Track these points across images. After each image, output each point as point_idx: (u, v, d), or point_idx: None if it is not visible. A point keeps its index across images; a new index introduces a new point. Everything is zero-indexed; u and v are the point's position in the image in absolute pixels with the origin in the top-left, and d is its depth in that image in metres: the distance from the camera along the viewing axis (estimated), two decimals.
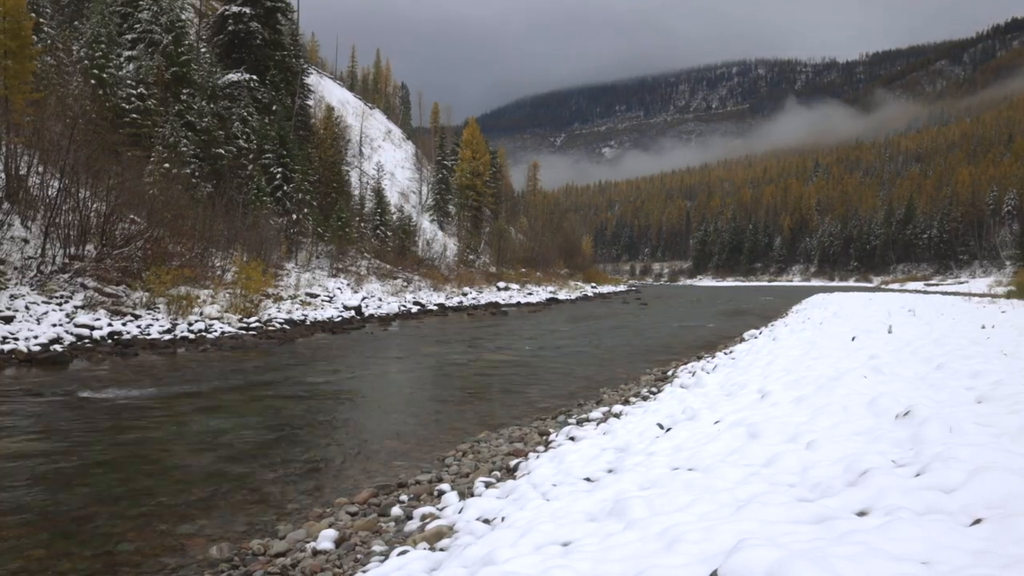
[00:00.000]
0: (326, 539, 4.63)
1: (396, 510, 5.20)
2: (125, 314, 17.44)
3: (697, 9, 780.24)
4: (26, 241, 18.32)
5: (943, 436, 4.17)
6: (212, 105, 30.89)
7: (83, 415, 8.75)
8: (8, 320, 14.62)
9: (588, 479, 4.96)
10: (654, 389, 10.18)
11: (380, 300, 30.73)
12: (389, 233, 43.74)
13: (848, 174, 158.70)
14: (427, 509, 5.08)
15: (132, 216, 21.34)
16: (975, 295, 47.57)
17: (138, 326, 16.78)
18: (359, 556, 4.39)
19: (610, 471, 5.07)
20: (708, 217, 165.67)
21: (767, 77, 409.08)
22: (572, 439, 6.88)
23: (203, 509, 5.55)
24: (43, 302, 16.23)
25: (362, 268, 36.25)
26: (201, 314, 19.19)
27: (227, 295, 21.48)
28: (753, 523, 3.03)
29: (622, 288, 78.96)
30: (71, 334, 14.97)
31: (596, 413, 8.35)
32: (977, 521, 2.84)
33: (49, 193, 19.35)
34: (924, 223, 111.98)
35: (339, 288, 30.63)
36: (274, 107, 35.94)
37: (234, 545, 4.77)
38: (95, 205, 19.81)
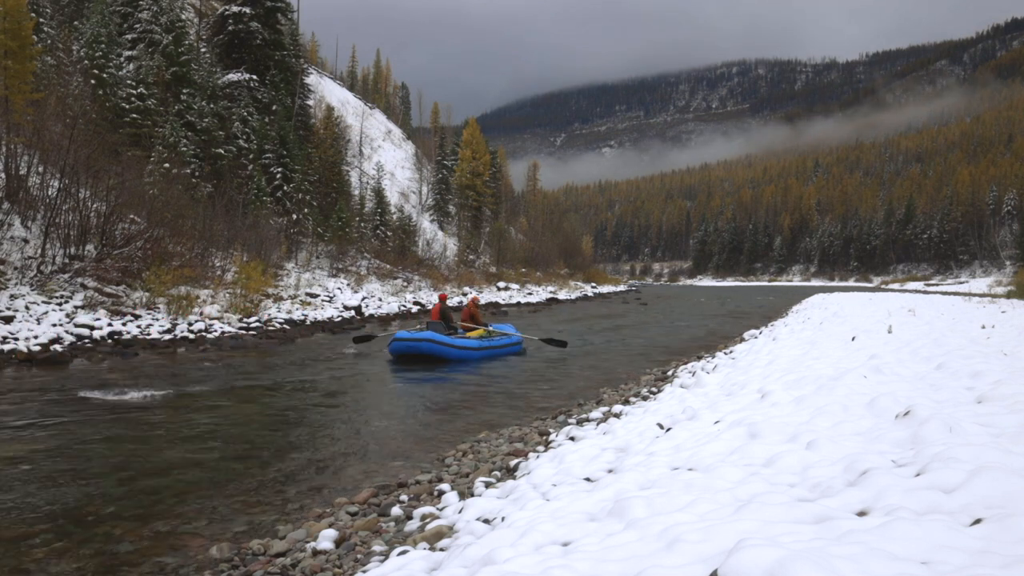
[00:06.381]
0: (326, 539, 4.63)
1: (396, 510, 5.20)
2: (125, 314, 17.43)
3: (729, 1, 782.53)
4: (26, 241, 18.32)
5: (943, 436, 4.16)
6: (212, 105, 30.88)
7: (83, 415, 8.74)
8: (8, 320, 14.62)
9: (588, 479, 4.96)
10: (654, 389, 10.18)
11: (380, 300, 30.72)
12: (389, 233, 43.72)
13: (848, 174, 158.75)
14: (427, 509, 5.08)
15: (132, 216, 21.33)
16: (975, 295, 47.56)
17: (138, 326, 16.77)
18: (359, 556, 4.39)
19: (610, 471, 5.07)
20: (708, 217, 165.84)
21: (767, 77, 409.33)
22: (572, 439, 6.87)
23: (203, 509, 5.55)
24: (43, 302, 16.23)
25: (362, 268, 36.24)
26: (201, 314, 19.19)
27: (227, 295, 21.48)
28: (753, 523, 3.03)
29: (622, 288, 78.90)
30: (71, 334, 14.97)
31: (596, 413, 8.35)
32: (977, 521, 2.84)
33: (49, 193, 19.34)
34: (924, 223, 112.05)
35: (339, 288, 30.61)
36: (274, 107, 35.92)
37: (234, 545, 4.77)
38: (95, 205, 19.79)
